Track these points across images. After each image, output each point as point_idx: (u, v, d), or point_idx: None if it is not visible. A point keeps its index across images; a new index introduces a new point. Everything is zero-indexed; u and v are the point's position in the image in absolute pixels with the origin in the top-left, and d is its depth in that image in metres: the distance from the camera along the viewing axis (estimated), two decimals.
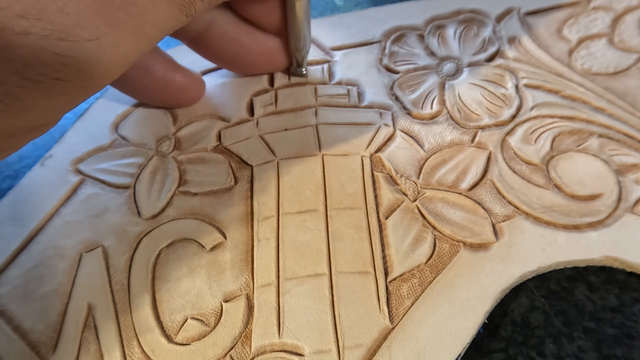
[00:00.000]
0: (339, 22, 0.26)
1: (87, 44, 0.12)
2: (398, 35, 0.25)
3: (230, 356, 0.16)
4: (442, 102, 0.22)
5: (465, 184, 0.20)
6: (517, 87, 0.22)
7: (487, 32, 0.25)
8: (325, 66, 0.24)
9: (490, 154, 0.20)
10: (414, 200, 0.19)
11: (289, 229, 0.19)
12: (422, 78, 0.23)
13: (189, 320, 0.17)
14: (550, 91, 0.22)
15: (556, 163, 0.20)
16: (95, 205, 0.20)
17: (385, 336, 0.16)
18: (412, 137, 0.21)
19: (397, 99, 0.23)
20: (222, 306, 0.17)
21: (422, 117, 0.22)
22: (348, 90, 0.23)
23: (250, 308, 0.17)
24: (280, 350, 0.16)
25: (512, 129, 0.21)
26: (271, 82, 0.24)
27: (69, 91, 0.13)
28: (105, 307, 0.18)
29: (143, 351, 0.17)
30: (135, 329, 0.17)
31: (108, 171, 0.21)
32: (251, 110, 0.23)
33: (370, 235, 0.19)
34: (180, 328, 0.17)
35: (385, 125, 0.22)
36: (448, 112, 0.22)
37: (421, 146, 0.21)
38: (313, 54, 0.24)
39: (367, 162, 0.21)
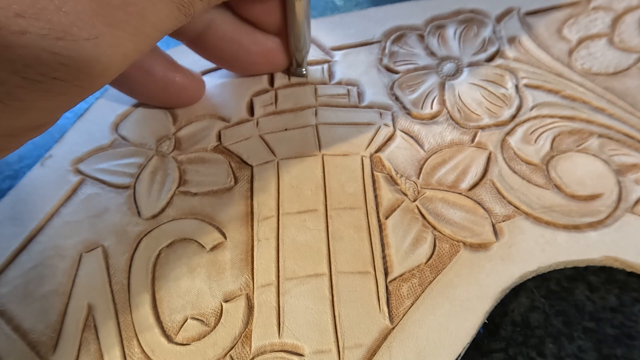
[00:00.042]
0: (339, 22, 0.26)
1: (85, 44, 0.12)
2: (398, 35, 0.25)
3: (230, 356, 0.16)
4: (442, 102, 0.22)
5: (465, 184, 0.20)
6: (517, 87, 0.22)
7: (487, 32, 0.25)
8: (325, 66, 0.24)
9: (490, 154, 0.20)
10: (414, 200, 0.19)
11: (289, 229, 0.19)
12: (422, 78, 0.23)
13: (189, 320, 0.17)
14: (550, 91, 0.22)
15: (556, 163, 0.20)
16: (95, 205, 0.20)
17: (385, 336, 0.16)
18: (412, 137, 0.21)
19: (397, 99, 0.23)
20: (222, 306, 0.17)
21: (422, 117, 0.22)
22: (348, 90, 0.23)
23: (250, 308, 0.17)
24: (280, 350, 0.16)
25: (512, 129, 0.21)
26: (271, 82, 0.24)
27: (68, 91, 0.13)
28: (105, 307, 0.18)
29: (143, 351, 0.17)
30: (135, 328, 0.17)
31: (108, 171, 0.21)
32: (251, 110, 0.23)
33: (370, 235, 0.19)
34: (180, 328, 0.17)
35: (385, 125, 0.22)
36: (448, 112, 0.22)
37: (421, 146, 0.21)
38: (313, 54, 0.24)
39: (367, 162, 0.21)
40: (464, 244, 0.18)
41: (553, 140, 0.21)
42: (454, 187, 0.20)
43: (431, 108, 0.22)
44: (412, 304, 0.17)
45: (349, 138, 0.21)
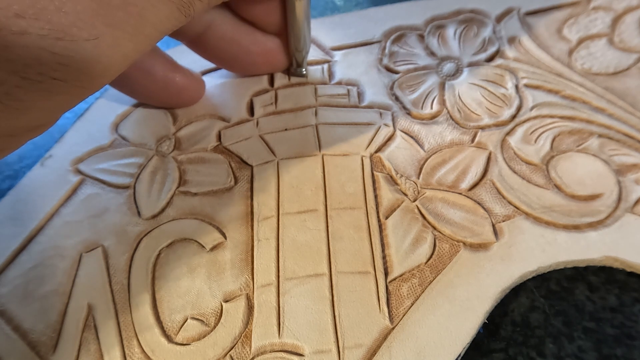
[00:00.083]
0: (339, 22, 0.26)
1: (85, 44, 0.12)
2: (398, 35, 0.25)
3: (230, 356, 0.16)
4: (442, 102, 0.22)
5: (465, 184, 0.20)
6: (517, 87, 0.22)
7: (487, 32, 0.25)
8: (325, 66, 0.24)
9: (490, 154, 0.20)
10: (414, 200, 0.19)
11: (289, 229, 0.19)
12: (422, 78, 0.23)
13: (189, 320, 0.17)
14: (550, 91, 0.22)
15: (556, 163, 0.20)
16: (95, 205, 0.20)
17: (385, 336, 0.16)
18: (412, 137, 0.21)
19: (397, 99, 0.23)
20: (222, 306, 0.17)
21: (422, 117, 0.22)
22: (348, 90, 0.23)
23: (250, 308, 0.17)
24: (280, 350, 0.16)
25: (512, 129, 0.21)
26: (271, 82, 0.24)
27: (67, 91, 0.13)
28: (105, 307, 0.18)
29: (143, 351, 0.17)
30: (135, 328, 0.17)
31: (108, 171, 0.21)
32: (251, 110, 0.23)
33: (370, 235, 0.19)
34: (180, 328, 0.17)
35: (385, 125, 0.22)
36: (448, 112, 0.22)
37: (421, 146, 0.21)
38: (313, 54, 0.24)
39: (367, 162, 0.21)
40: (464, 244, 0.18)
41: (553, 140, 0.21)
42: (454, 187, 0.20)
43: (431, 108, 0.22)
44: (412, 304, 0.17)
45: (349, 138, 0.21)
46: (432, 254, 0.18)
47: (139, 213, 0.20)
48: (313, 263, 0.18)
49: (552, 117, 0.21)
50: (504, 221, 0.19)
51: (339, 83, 0.24)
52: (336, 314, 0.17)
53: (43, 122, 0.14)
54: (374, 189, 0.20)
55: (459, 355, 0.16)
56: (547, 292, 0.18)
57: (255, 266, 0.18)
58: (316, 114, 0.22)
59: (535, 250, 0.18)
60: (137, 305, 0.18)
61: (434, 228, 0.19)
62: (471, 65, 0.24)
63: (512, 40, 0.24)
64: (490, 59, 0.24)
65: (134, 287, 0.18)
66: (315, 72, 0.24)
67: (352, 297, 0.17)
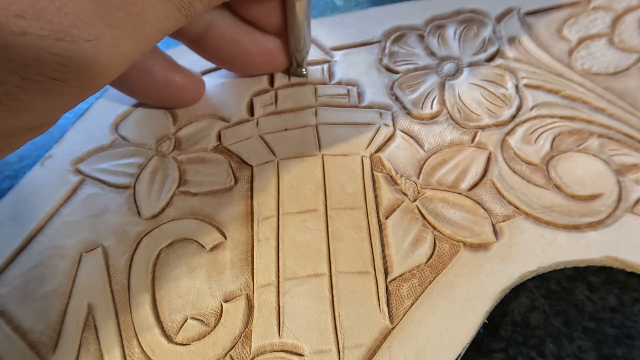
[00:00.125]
0: (339, 22, 0.26)
1: (85, 44, 0.12)
2: (398, 35, 0.25)
3: (230, 356, 0.16)
4: (442, 102, 0.22)
5: (465, 184, 0.20)
6: (517, 87, 0.22)
7: (487, 32, 0.25)
8: (325, 66, 0.24)
9: (490, 154, 0.20)
10: (414, 200, 0.19)
11: (289, 229, 0.19)
12: (422, 78, 0.23)
13: (189, 320, 0.17)
14: (550, 91, 0.22)
15: (556, 163, 0.20)
16: (95, 205, 0.20)
17: (385, 336, 0.16)
18: (412, 137, 0.21)
19: (397, 99, 0.23)
20: (222, 306, 0.17)
21: (422, 117, 0.22)
22: (348, 90, 0.23)
23: (250, 308, 0.17)
24: (280, 350, 0.16)
25: (512, 129, 0.21)
26: (271, 82, 0.24)
27: (67, 91, 0.13)
28: (105, 307, 0.18)
29: (143, 351, 0.17)
30: (135, 328, 0.17)
31: (108, 171, 0.21)
32: (251, 110, 0.23)
33: (370, 235, 0.19)
34: (180, 328, 0.17)
35: (385, 125, 0.22)
36: (448, 112, 0.22)
37: (421, 146, 0.21)
38: (313, 54, 0.24)
39: (367, 162, 0.21)
40: (464, 244, 0.18)
41: (553, 140, 0.21)
42: (454, 187, 0.20)
43: (431, 108, 0.22)
44: (412, 304, 0.17)
45: (349, 138, 0.21)
46: (432, 254, 0.18)
47: (139, 213, 0.20)
48: (313, 263, 0.18)
49: (552, 117, 0.21)
50: (504, 221, 0.19)
51: (339, 83, 0.24)
52: (336, 314, 0.17)
53: (43, 122, 0.14)
54: (374, 189, 0.20)
55: (459, 355, 0.16)
56: (547, 292, 0.18)
57: (255, 266, 0.18)
58: (316, 114, 0.22)
59: (535, 250, 0.18)
60: (137, 305, 0.18)
61: (434, 228, 0.19)
62: (471, 65, 0.24)
63: (512, 40, 0.24)
64: (490, 59, 0.24)
65: (134, 287, 0.18)
66: (315, 72, 0.24)
67: (352, 297, 0.17)
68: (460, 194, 0.19)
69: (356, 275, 0.18)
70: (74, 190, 0.21)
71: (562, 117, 0.21)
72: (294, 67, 0.24)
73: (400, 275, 0.18)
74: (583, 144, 0.20)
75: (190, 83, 0.23)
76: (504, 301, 0.18)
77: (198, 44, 0.22)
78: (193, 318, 0.17)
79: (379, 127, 0.22)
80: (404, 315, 0.17)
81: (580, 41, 0.24)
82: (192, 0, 0.15)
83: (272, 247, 0.19)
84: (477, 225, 0.19)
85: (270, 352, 0.16)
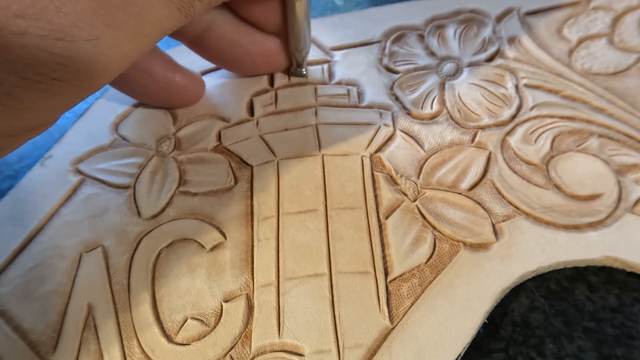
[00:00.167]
0: (339, 22, 0.26)
1: (85, 44, 0.12)
2: (398, 35, 0.25)
3: (230, 356, 0.16)
4: (442, 102, 0.22)
5: (465, 184, 0.20)
6: (517, 87, 0.22)
7: (487, 32, 0.25)
8: (325, 66, 0.24)
9: (490, 154, 0.20)
10: (414, 200, 0.19)
11: (289, 229, 0.19)
12: (422, 78, 0.23)
13: (189, 320, 0.17)
14: (550, 91, 0.22)
15: (556, 163, 0.20)
16: (95, 205, 0.20)
17: (385, 336, 0.16)
18: (412, 137, 0.21)
19: (397, 99, 0.23)
20: (222, 306, 0.17)
21: (422, 117, 0.22)
22: (348, 90, 0.23)
23: (250, 308, 0.17)
24: (280, 350, 0.16)
25: (512, 129, 0.21)
26: (271, 82, 0.24)
27: (67, 91, 0.13)
28: (105, 307, 0.18)
29: (143, 351, 0.17)
30: (135, 328, 0.17)
31: (108, 171, 0.21)
32: (251, 110, 0.23)
33: (370, 235, 0.19)
34: (180, 328, 0.17)
35: (385, 125, 0.22)
36: (448, 112, 0.22)
37: (421, 146, 0.21)
38: (313, 54, 0.24)
39: (367, 162, 0.21)
40: (464, 244, 0.18)
41: (553, 140, 0.21)
42: (454, 187, 0.20)
43: (431, 108, 0.22)
44: (412, 304, 0.17)
45: (349, 138, 0.21)
46: (432, 254, 0.18)
47: (139, 213, 0.20)
48: (313, 263, 0.18)
49: (552, 117, 0.21)
50: (504, 221, 0.19)
51: (339, 83, 0.24)
52: (336, 314, 0.17)
53: (43, 122, 0.14)
54: (374, 189, 0.20)
55: (459, 355, 0.16)
56: (547, 292, 0.18)
57: (255, 266, 0.18)
58: (316, 114, 0.22)
59: (535, 250, 0.18)
60: (137, 305, 0.18)
61: (434, 228, 0.19)
62: (471, 65, 0.24)
63: (512, 40, 0.24)
64: (490, 59, 0.24)
65: (134, 287, 0.18)
66: (315, 72, 0.24)
67: (352, 297, 0.17)
68: (460, 194, 0.19)
69: (356, 275, 0.18)
70: (74, 190, 0.21)
71: (562, 117, 0.21)
72: (294, 67, 0.24)
73: (400, 275, 0.18)
74: (583, 144, 0.20)
75: (190, 83, 0.23)
76: (504, 301, 0.18)
77: (198, 44, 0.22)
78: (193, 318, 0.17)
79: (379, 127, 0.22)
80: (404, 315, 0.17)
81: (580, 41, 0.24)
82: (192, 0, 0.15)
83: (272, 247, 0.19)
84: (477, 225, 0.19)
85: (270, 352, 0.16)
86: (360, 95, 0.23)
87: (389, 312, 0.17)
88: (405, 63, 0.24)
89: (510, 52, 0.24)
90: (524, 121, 0.21)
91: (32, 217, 0.20)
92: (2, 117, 0.13)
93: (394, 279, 0.18)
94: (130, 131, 0.23)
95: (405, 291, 0.17)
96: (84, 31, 0.12)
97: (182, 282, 0.18)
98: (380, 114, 0.22)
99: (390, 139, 0.21)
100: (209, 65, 0.25)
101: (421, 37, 0.25)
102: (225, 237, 0.19)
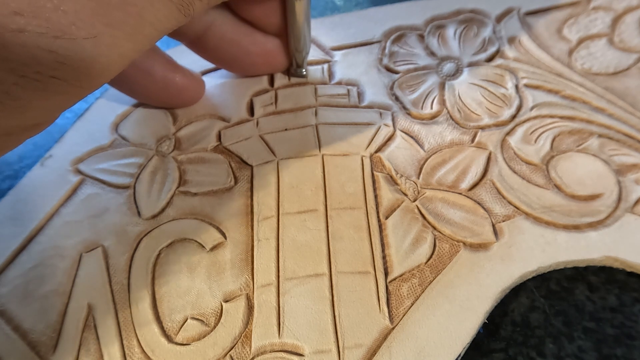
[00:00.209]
0: (339, 22, 0.26)
1: (83, 43, 0.12)
2: (398, 35, 0.25)
3: (230, 356, 0.16)
4: (442, 102, 0.22)
5: (465, 184, 0.20)
6: (517, 87, 0.22)
7: (487, 32, 0.25)
8: (325, 66, 0.24)
9: (490, 154, 0.20)
10: (414, 200, 0.19)
11: (289, 229, 0.19)
12: (422, 78, 0.23)
13: (189, 320, 0.17)
14: (550, 91, 0.22)
15: (556, 163, 0.20)
16: (95, 205, 0.20)
17: (385, 336, 0.16)
18: (412, 137, 0.21)
19: (397, 99, 0.23)
20: (222, 306, 0.17)
21: (422, 117, 0.22)
22: (348, 90, 0.23)
23: (250, 308, 0.17)
24: (280, 350, 0.16)
25: (512, 129, 0.21)
26: (271, 82, 0.24)
27: (65, 90, 0.13)
28: (105, 307, 0.18)
29: (143, 351, 0.17)
30: (135, 328, 0.17)
31: (108, 171, 0.21)
32: (251, 110, 0.23)
33: (370, 235, 0.19)
34: (180, 328, 0.17)
35: (385, 125, 0.22)
36: (448, 112, 0.22)
37: (421, 146, 0.21)
38: (313, 54, 0.24)
39: (367, 162, 0.21)
40: (464, 244, 0.18)
41: (553, 140, 0.21)
42: (454, 187, 0.20)
43: (431, 108, 0.22)
44: (412, 304, 0.17)
45: (349, 138, 0.21)
46: (432, 254, 0.18)
47: (139, 213, 0.20)
48: (313, 263, 0.18)
49: (552, 117, 0.21)
50: (504, 221, 0.19)
51: (339, 83, 0.24)
52: (336, 314, 0.17)
53: (41, 120, 0.14)
54: (374, 189, 0.20)
55: (459, 355, 0.16)
56: (547, 292, 0.18)
57: (255, 266, 0.18)
58: (316, 114, 0.22)
59: (535, 250, 0.18)
60: (137, 304, 0.18)
61: (434, 228, 0.19)
62: (471, 65, 0.24)
63: (512, 40, 0.24)
64: (490, 59, 0.24)
65: (134, 287, 0.18)
66: (315, 72, 0.24)
67: (352, 297, 0.17)
68: (460, 194, 0.19)
69: (356, 275, 0.18)
70: (74, 190, 0.21)
71: (562, 117, 0.21)
72: (294, 67, 0.24)
73: (400, 275, 0.18)
74: (583, 144, 0.20)
75: (190, 83, 0.23)
76: (504, 301, 0.18)
77: (198, 44, 0.22)
78: (193, 318, 0.17)
79: (379, 127, 0.22)
80: (404, 315, 0.17)
81: (580, 41, 0.24)
82: None
83: (272, 247, 0.19)
84: (477, 225, 0.19)
85: (270, 352, 0.16)
86: (360, 95, 0.23)
87: (389, 312, 0.17)
88: (405, 63, 0.24)
89: (510, 52, 0.24)
90: (524, 121, 0.21)
91: (32, 217, 0.20)
92: (0, 116, 0.13)
93: (394, 279, 0.18)
94: (130, 131, 0.23)
95: (405, 291, 0.17)
96: (83, 30, 0.12)
97: (182, 282, 0.18)
98: (380, 114, 0.22)
99: (390, 139, 0.21)
100: (209, 65, 0.25)
101: (421, 37, 0.25)
102: (225, 237, 0.19)
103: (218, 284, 0.18)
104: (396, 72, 0.24)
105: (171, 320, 0.17)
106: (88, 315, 0.17)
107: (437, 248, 0.18)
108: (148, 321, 0.17)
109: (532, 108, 0.22)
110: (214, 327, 0.17)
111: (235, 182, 0.20)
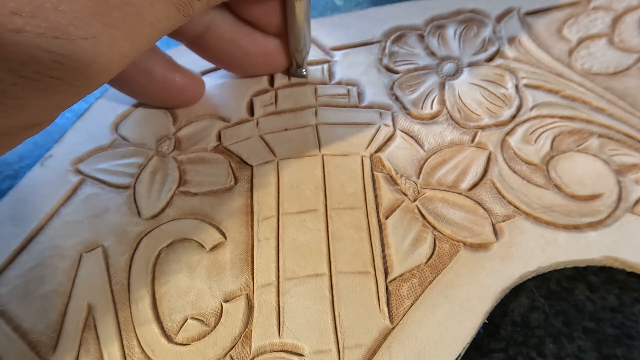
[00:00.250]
0: (339, 22, 0.26)
1: (82, 43, 0.12)
2: (398, 35, 0.25)
3: (230, 356, 0.16)
4: (442, 102, 0.22)
5: (465, 184, 0.20)
6: (517, 87, 0.22)
7: (487, 32, 0.25)
8: (325, 66, 0.24)
9: (490, 154, 0.20)
10: (414, 200, 0.19)
11: (289, 229, 0.19)
12: (422, 78, 0.23)
13: (189, 320, 0.17)
14: (550, 91, 0.22)
15: (556, 163, 0.20)
16: (95, 205, 0.20)
17: (385, 336, 0.16)
18: (412, 137, 0.21)
19: (397, 99, 0.23)
20: (222, 306, 0.17)
21: (422, 117, 0.22)
22: (348, 90, 0.23)
23: (250, 308, 0.17)
24: (280, 350, 0.16)
25: (512, 129, 0.21)
26: (271, 82, 0.24)
27: (64, 90, 0.13)
28: (105, 307, 0.18)
29: (143, 351, 0.17)
30: (135, 328, 0.17)
31: (108, 171, 0.21)
32: (251, 110, 0.23)
33: (370, 235, 0.19)
34: (180, 328, 0.17)
35: (385, 125, 0.22)
36: (448, 112, 0.22)
37: (421, 146, 0.21)
38: (313, 54, 0.24)
39: (367, 162, 0.21)
40: (464, 244, 0.18)
41: (553, 140, 0.21)
42: (454, 187, 0.20)
43: (431, 108, 0.22)
44: (412, 304, 0.17)
45: (349, 138, 0.21)
46: (432, 254, 0.18)
47: (139, 213, 0.20)
48: (313, 263, 0.18)
49: (552, 117, 0.21)
50: (504, 221, 0.19)
51: (339, 83, 0.24)
52: (336, 314, 0.17)
53: (40, 120, 0.14)
54: (374, 189, 0.20)
55: (459, 355, 0.16)
56: (547, 292, 0.18)
57: (255, 266, 0.18)
58: (316, 114, 0.22)
59: (535, 250, 0.18)
60: (137, 304, 0.18)
61: (434, 228, 0.19)
62: (471, 65, 0.24)
63: (512, 40, 0.24)
64: (490, 59, 0.24)
65: (134, 287, 0.18)
66: (315, 72, 0.24)
67: (352, 297, 0.17)
68: (460, 194, 0.19)
69: (356, 275, 0.18)
70: (74, 190, 0.21)
71: (562, 117, 0.21)
72: (294, 67, 0.24)
73: (400, 275, 0.18)
74: (583, 144, 0.20)
75: (190, 83, 0.23)
76: (504, 301, 0.18)
77: (197, 45, 0.22)
78: (193, 318, 0.17)
79: (379, 127, 0.22)
80: (404, 315, 0.17)
81: (580, 41, 0.24)
82: None
83: (272, 247, 0.19)
84: (477, 225, 0.19)
85: (270, 352, 0.16)
86: (360, 95, 0.23)
87: (389, 312, 0.17)
88: (405, 63, 0.24)
89: (510, 52, 0.24)
90: (524, 121, 0.21)
91: (32, 217, 0.20)
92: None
93: (394, 279, 0.18)
94: (130, 131, 0.23)
95: (405, 291, 0.17)
96: (81, 30, 0.12)
97: (182, 282, 0.18)
98: (380, 114, 0.22)
99: (390, 139, 0.21)
100: (209, 65, 0.25)
101: (421, 37, 0.25)
102: (225, 237, 0.19)
103: (218, 284, 0.18)
104: (396, 72, 0.24)
105: (171, 320, 0.17)
106: (88, 315, 0.17)
107: (437, 248, 0.18)
108: (148, 321, 0.17)
109: (532, 108, 0.22)
110: (214, 327, 0.17)
111: (235, 182, 0.21)
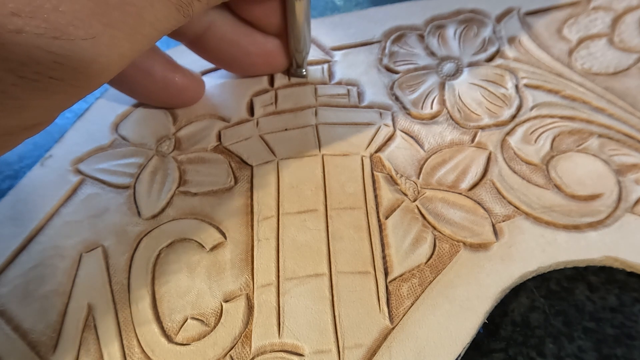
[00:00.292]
0: (339, 22, 0.26)
1: (82, 43, 0.12)
2: (398, 35, 0.25)
3: (230, 356, 0.16)
4: (442, 102, 0.22)
5: (465, 184, 0.20)
6: (517, 87, 0.22)
7: (487, 32, 0.25)
8: (325, 66, 0.24)
9: (490, 154, 0.20)
10: (414, 200, 0.19)
11: (289, 229, 0.19)
12: (422, 78, 0.23)
13: (189, 320, 0.17)
14: (550, 91, 0.22)
15: (556, 163, 0.20)
16: (95, 205, 0.20)
17: (385, 336, 0.16)
18: (412, 137, 0.21)
19: (397, 99, 0.23)
20: (222, 306, 0.17)
21: (422, 117, 0.22)
22: (348, 90, 0.23)
23: (250, 308, 0.17)
24: (280, 350, 0.16)
25: (512, 129, 0.21)
26: (271, 82, 0.24)
27: (64, 90, 0.13)
28: (105, 307, 0.18)
29: (143, 351, 0.17)
30: (135, 328, 0.17)
31: (108, 171, 0.21)
32: (251, 110, 0.23)
33: (370, 235, 0.19)
34: (180, 328, 0.17)
35: (385, 125, 0.22)
36: (448, 112, 0.22)
37: (421, 146, 0.21)
38: (313, 54, 0.24)
39: (367, 162, 0.21)
40: (464, 244, 0.18)
41: (553, 140, 0.21)
42: (454, 187, 0.20)
43: (431, 108, 0.22)
44: (412, 304, 0.17)
45: (349, 138, 0.21)
46: (432, 254, 0.18)
47: (139, 213, 0.20)
48: (313, 263, 0.18)
49: (552, 117, 0.21)
50: (504, 221, 0.19)
51: (339, 83, 0.24)
52: (336, 314, 0.17)
53: (40, 120, 0.14)
54: (374, 189, 0.20)
55: (459, 355, 0.16)
56: (547, 292, 0.18)
57: (255, 266, 0.18)
58: (316, 114, 0.22)
59: (535, 250, 0.18)
60: (137, 304, 0.18)
61: (434, 228, 0.19)
62: (471, 65, 0.24)
63: (512, 40, 0.24)
64: (490, 59, 0.24)
65: (134, 287, 0.18)
66: (315, 72, 0.24)
67: (352, 297, 0.17)
68: (460, 194, 0.19)
69: (356, 275, 0.18)
70: (74, 190, 0.21)
71: (562, 117, 0.21)
72: (294, 67, 0.24)
73: (400, 275, 0.18)
74: (583, 144, 0.20)
75: (190, 83, 0.23)
76: (504, 301, 0.18)
77: (197, 45, 0.22)
78: (193, 318, 0.17)
79: (379, 127, 0.22)
80: (404, 315, 0.17)
81: (580, 41, 0.24)
82: None
83: (272, 247, 0.19)
84: (477, 225, 0.19)
85: (270, 352, 0.16)
86: (360, 95, 0.23)
87: (389, 312, 0.17)
88: (405, 63, 0.24)
89: (510, 52, 0.24)
90: (524, 121, 0.21)
91: (32, 217, 0.20)
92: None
93: (394, 279, 0.18)
94: (130, 131, 0.23)
95: (405, 291, 0.17)
96: (81, 30, 0.12)
97: (182, 282, 0.18)
98: (380, 114, 0.22)
99: (390, 139, 0.21)
100: (209, 65, 0.25)
101: (421, 37, 0.25)
102: (225, 237, 0.19)
103: (218, 284, 0.18)
104: (396, 72, 0.24)
105: (171, 320, 0.17)
106: (88, 315, 0.17)
107: (437, 248, 0.18)
108: (148, 321, 0.17)
109: (532, 108, 0.22)
110: (214, 327, 0.17)
111: (235, 182, 0.21)
